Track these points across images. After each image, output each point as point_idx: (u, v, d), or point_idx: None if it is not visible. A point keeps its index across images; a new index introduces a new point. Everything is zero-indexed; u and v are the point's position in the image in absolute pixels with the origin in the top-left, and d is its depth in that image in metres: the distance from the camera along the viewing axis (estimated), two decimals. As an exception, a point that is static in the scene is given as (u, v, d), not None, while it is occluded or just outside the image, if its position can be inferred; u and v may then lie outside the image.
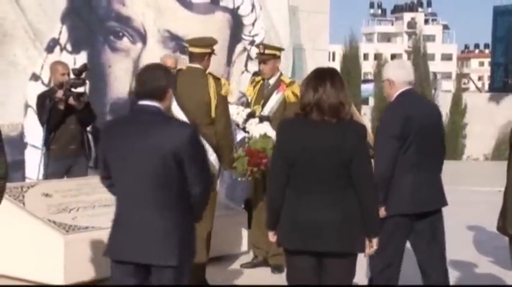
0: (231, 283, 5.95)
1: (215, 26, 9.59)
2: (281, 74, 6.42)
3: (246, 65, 9.63)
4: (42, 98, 6.99)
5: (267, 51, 6.24)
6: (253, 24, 10.04)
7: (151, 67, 3.77)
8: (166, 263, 3.52)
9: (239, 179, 6.17)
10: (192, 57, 5.71)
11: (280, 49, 6.49)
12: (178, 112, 5.42)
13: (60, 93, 6.79)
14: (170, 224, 3.54)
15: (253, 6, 9.98)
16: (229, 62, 9.77)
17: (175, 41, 9.08)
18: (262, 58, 6.26)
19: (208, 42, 5.82)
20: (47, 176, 6.94)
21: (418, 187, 4.56)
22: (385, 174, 4.41)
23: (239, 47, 9.94)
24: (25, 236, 5.48)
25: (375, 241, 3.69)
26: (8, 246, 5.57)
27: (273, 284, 5.82)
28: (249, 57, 9.96)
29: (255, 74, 7.18)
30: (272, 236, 3.78)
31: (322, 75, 3.67)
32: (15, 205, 5.59)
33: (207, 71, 5.71)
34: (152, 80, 3.61)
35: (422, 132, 4.53)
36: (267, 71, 6.26)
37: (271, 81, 6.29)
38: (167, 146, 3.51)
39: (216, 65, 9.53)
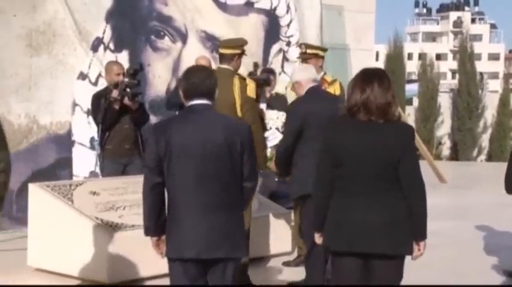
0: (272, 282, 5.93)
1: (250, 27, 9.66)
2: (325, 73, 6.41)
3: (282, 66, 9.66)
4: (97, 98, 7.04)
5: (308, 51, 6.29)
6: (288, 25, 10.09)
7: (198, 69, 3.87)
8: (235, 255, 3.64)
9: (276, 179, 6.21)
10: (222, 58, 5.76)
11: (323, 49, 6.50)
12: None
13: (115, 93, 6.84)
14: (236, 218, 3.66)
15: (288, 7, 10.02)
16: (265, 63, 9.82)
17: (212, 41, 9.18)
18: (304, 57, 6.31)
19: (238, 43, 5.86)
20: (104, 177, 7.00)
21: None
22: (281, 157, 5.38)
23: (275, 48, 10.00)
24: (73, 233, 5.56)
25: (422, 244, 3.64)
26: (56, 243, 5.66)
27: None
28: (285, 58, 9.99)
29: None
30: (318, 238, 3.76)
31: (369, 76, 3.64)
32: (64, 203, 5.67)
33: (237, 72, 5.74)
34: (204, 80, 3.70)
35: (323, 123, 4.83)
36: None
37: None
38: (237, 139, 3.63)
39: (252, 66, 9.61)
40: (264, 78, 6.69)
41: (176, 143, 3.57)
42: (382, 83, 3.60)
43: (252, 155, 3.70)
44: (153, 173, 3.63)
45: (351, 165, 3.58)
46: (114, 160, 6.95)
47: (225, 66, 5.66)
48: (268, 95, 6.87)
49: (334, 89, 6.18)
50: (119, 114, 6.90)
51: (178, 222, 3.59)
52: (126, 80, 6.90)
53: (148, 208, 3.70)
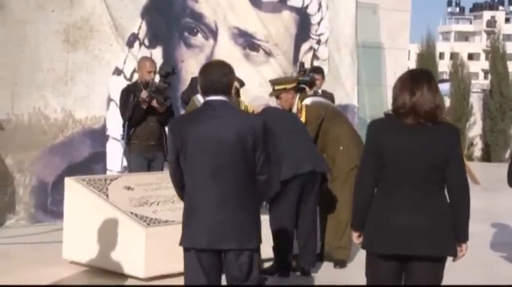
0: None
1: (282, 24, 9.66)
2: (298, 97, 6.42)
3: (311, 64, 9.64)
4: (126, 94, 7.10)
5: (276, 87, 6.39)
6: (319, 23, 10.07)
7: (216, 64, 3.94)
8: (248, 247, 3.74)
9: None
10: None
11: (290, 82, 6.51)
12: None
13: (144, 95, 6.91)
14: (249, 210, 3.76)
15: (320, 5, 10.01)
16: (295, 60, 9.83)
17: (244, 38, 9.21)
18: (275, 95, 6.39)
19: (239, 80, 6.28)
20: (131, 170, 7.10)
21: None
22: None
23: (306, 46, 10.00)
24: (108, 228, 5.61)
25: (464, 245, 3.64)
26: (91, 236, 5.72)
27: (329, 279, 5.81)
28: (315, 57, 9.99)
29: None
30: (357, 238, 3.75)
31: (418, 78, 3.59)
32: (99, 197, 5.73)
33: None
34: (221, 77, 3.78)
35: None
36: (284, 105, 6.39)
37: (294, 110, 6.39)
38: (249, 134, 3.71)
39: (283, 63, 9.62)
40: (306, 80, 6.72)
41: (191, 139, 3.71)
42: (431, 85, 3.55)
43: (265, 148, 3.78)
44: (175, 167, 3.79)
45: (397, 167, 3.55)
46: (139, 154, 7.05)
47: None
48: (311, 93, 6.90)
49: (304, 114, 6.31)
50: (145, 113, 6.97)
51: (193, 214, 3.73)
52: (157, 82, 6.95)
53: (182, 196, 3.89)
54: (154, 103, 6.95)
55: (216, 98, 3.77)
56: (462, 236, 3.61)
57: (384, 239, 3.57)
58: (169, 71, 7.11)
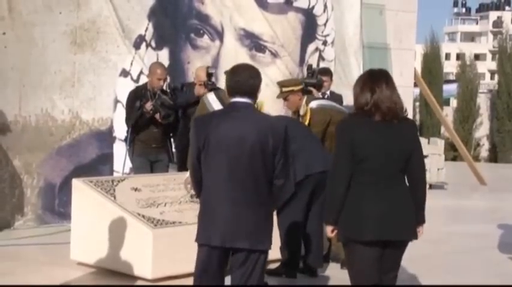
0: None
1: (288, 25, 9.68)
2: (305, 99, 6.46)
3: (318, 65, 9.66)
4: (133, 98, 7.12)
5: (284, 89, 6.40)
6: (325, 24, 10.09)
7: (243, 68, 4.00)
8: (259, 248, 3.81)
9: None
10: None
11: (297, 83, 6.53)
12: None
13: (149, 107, 6.95)
14: (264, 212, 3.83)
15: (325, 6, 10.03)
16: (302, 62, 9.84)
17: (250, 39, 9.22)
18: (282, 96, 6.41)
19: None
20: (134, 170, 7.14)
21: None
22: None
23: (312, 47, 10.01)
24: (115, 229, 5.63)
25: (421, 228, 3.94)
26: (99, 237, 5.73)
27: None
28: (321, 58, 9.99)
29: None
30: (331, 232, 3.88)
31: (378, 77, 3.86)
32: (106, 198, 5.75)
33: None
34: (247, 79, 3.86)
35: None
36: (291, 106, 6.46)
37: (301, 112, 6.41)
38: (270, 137, 3.78)
39: (289, 65, 9.62)
40: (313, 82, 6.72)
41: (214, 138, 3.78)
42: (388, 83, 3.83)
43: (285, 154, 3.85)
44: (196, 166, 3.87)
45: (371, 161, 3.78)
46: (142, 155, 7.09)
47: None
48: (319, 95, 6.90)
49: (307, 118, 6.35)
50: (148, 121, 7.02)
51: (209, 211, 3.81)
52: (164, 95, 6.99)
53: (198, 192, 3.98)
54: (157, 116, 7.01)
55: (241, 100, 3.85)
56: (422, 218, 3.94)
57: (369, 227, 3.76)
58: (177, 87, 7.19)
